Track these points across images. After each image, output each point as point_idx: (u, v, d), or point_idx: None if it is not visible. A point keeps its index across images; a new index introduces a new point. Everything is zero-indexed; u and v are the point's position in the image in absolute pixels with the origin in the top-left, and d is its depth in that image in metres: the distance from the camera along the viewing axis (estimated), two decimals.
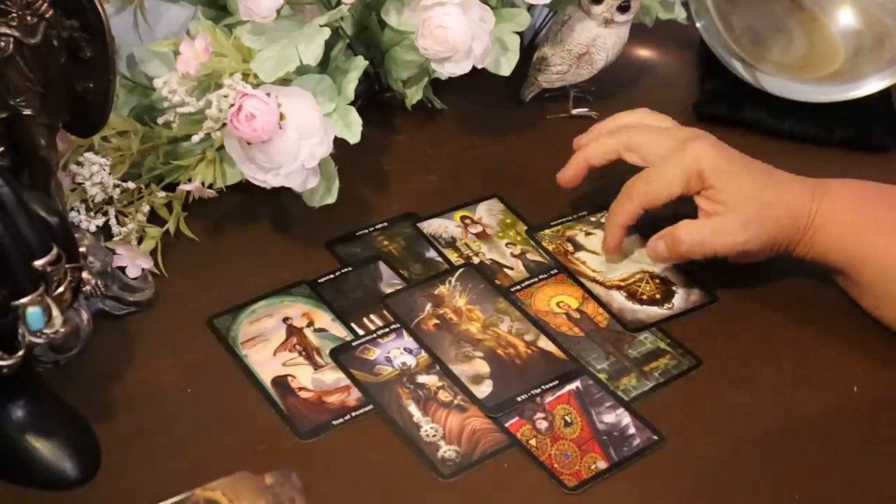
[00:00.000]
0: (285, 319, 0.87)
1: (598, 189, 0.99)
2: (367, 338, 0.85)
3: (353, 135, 0.90)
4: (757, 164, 0.89)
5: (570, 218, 0.98)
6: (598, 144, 0.94)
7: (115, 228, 0.89)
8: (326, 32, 0.89)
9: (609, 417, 0.81)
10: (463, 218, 0.98)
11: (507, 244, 0.95)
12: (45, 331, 0.67)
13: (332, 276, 0.91)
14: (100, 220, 0.89)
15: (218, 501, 0.63)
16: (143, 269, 0.88)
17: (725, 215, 0.86)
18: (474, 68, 0.96)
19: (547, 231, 0.97)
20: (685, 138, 0.90)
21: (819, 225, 0.86)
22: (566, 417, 0.81)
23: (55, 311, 0.68)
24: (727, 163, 0.87)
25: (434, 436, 0.79)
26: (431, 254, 0.94)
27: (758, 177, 0.87)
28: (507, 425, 0.80)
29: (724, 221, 0.86)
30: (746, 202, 0.86)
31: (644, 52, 1.21)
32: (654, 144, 0.91)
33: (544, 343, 0.86)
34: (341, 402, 0.81)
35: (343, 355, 0.84)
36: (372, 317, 0.87)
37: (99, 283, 0.81)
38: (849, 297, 0.89)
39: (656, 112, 0.96)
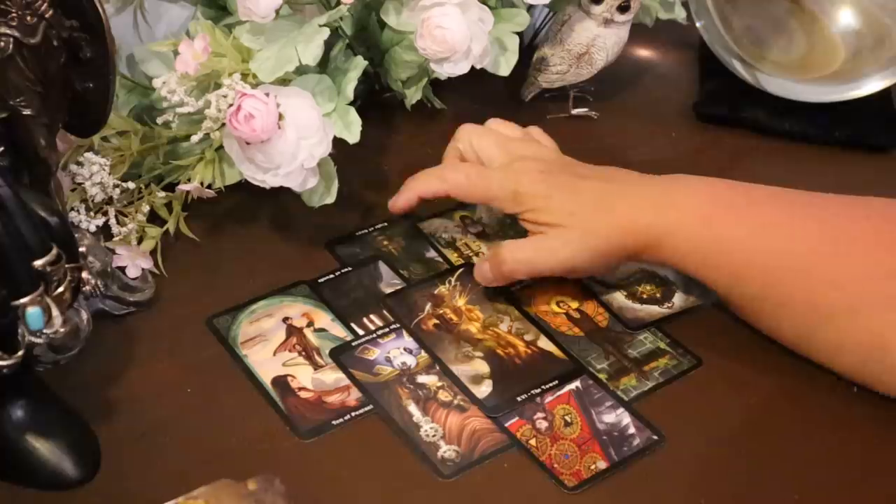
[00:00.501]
0: (285, 319, 0.87)
1: None
2: (367, 338, 0.85)
3: (353, 135, 0.90)
4: (593, 182, 0.86)
5: None
6: (445, 154, 0.92)
7: (115, 228, 0.89)
8: (326, 32, 0.88)
9: (609, 417, 0.81)
10: (462, 218, 0.98)
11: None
12: (45, 331, 0.67)
13: (332, 276, 0.91)
14: (100, 220, 0.89)
15: None
16: (143, 269, 0.88)
17: (548, 233, 0.84)
18: (474, 68, 0.97)
19: None
20: (519, 155, 0.88)
21: (664, 237, 0.83)
22: (566, 417, 0.81)
23: (55, 311, 0.68)
24: (546, 186, 0.85)
25: (434, 436, 0.79)
26: (431, 254, 0.94)
27: (584, 196, 0.85)
28: (506, 425, 0.80)
29: (546, 240, 0.85)
30: (569, 221, 0.84)
31: (644, 52, 1.21)
32: (491, 149, 0.89)
33: (544, 343, 0.86)
34: (341, 402, 0.81)
35: (343, 355, 0.84)
36: (372, 317, 0.87)
37: (99, 283, 0.81)
38: None
39: (507, 122, 0.94)
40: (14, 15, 0.71)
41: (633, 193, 0.85)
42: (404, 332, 0.86)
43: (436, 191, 0.89)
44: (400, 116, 1.08)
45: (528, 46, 1.13)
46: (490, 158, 0.89)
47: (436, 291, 0.90)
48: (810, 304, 0.81)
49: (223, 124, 0.86)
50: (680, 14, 1.12)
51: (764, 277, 0.82)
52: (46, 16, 0.72)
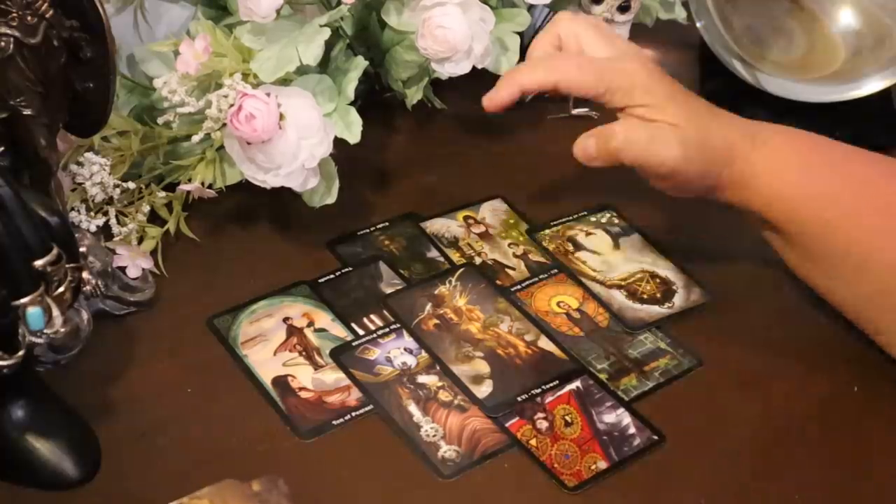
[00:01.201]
0: (285, 319, 0.87)
1: (598, 189, 0.99)
2: (368, 338, 0.85)
3: (353, 135, 0.90)
4: (697, 100, 0.85)
5: (571, 218, 0.98)
6: (537, 41, 0.88)
7: (116, 228, 0.89)
8: (326, 32, 0.88)
9: (609, 417, 0.81)
10: (466, 218, 0.98)
11: (509, 244, 0.95)
12: (45, 331, 0.67)
13: (332, 276, 0.91)
14: (100, 220, 0.89)
15: None
16: (143, 269, 0.88)
17: (664, 127, 0.81)
18: (474, 68, 0.97)
19: (547, 231, 0.97)
20: (626, 49, 0.86)
21: (756, 173, 0.82)
22: (566, 417, 0.81)
23: (55, 311, 0.68)
24: (664, 87, 0.83)
25: (434, 436, 0.79)
26: (433, 253, 0.94)
27: (697, 108, 0.83)
28: (507, 425, 0.80)
29: (665, 132, 0.81)
30: (686, 121, 0.82)
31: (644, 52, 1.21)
32: (598, 40, 0.86)
33: (544, 343, 0.86)
34: (341, 402, 0.81)
35: (343, 355, 0.84)
36: (372, 317, 0.87)
37: (99, 283, 0.81)
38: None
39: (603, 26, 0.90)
40: (14, 15, 0.71)
41: (736, 121, 0.84)
42: (404, 332, 0.86)
43: (542, 82, 0.84)
44: (400, 116, 1.08)
45: (529, 46, 1.13)
46: (596, 48, 0.85)
47: (436, 291, 0.90)
48: (893, 266, 0.80)
49: (224, 124, 0.86)
50: (680, 14, 1.12)
51: (852, 235, 0.81)
52: (47, 16, 0.72)
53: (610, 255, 0.95)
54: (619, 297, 0.90)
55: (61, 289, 0.68)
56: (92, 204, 0.89)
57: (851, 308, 0.84)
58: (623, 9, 1.04)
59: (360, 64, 0.92)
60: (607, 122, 1.11)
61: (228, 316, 0.87)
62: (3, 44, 0.70)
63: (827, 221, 0.81)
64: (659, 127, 0.82)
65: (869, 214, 0.81)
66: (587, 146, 0.84)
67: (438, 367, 0.83)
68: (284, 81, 0.89)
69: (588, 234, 0.97)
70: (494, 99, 0.86)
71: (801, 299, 0.91)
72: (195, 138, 0.89)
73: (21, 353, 0.68)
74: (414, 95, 1.04)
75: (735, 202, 0.84)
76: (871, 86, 1.09)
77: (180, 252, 0.92)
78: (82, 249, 0.72)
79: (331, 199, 0.91)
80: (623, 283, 0.92)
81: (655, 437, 0.80)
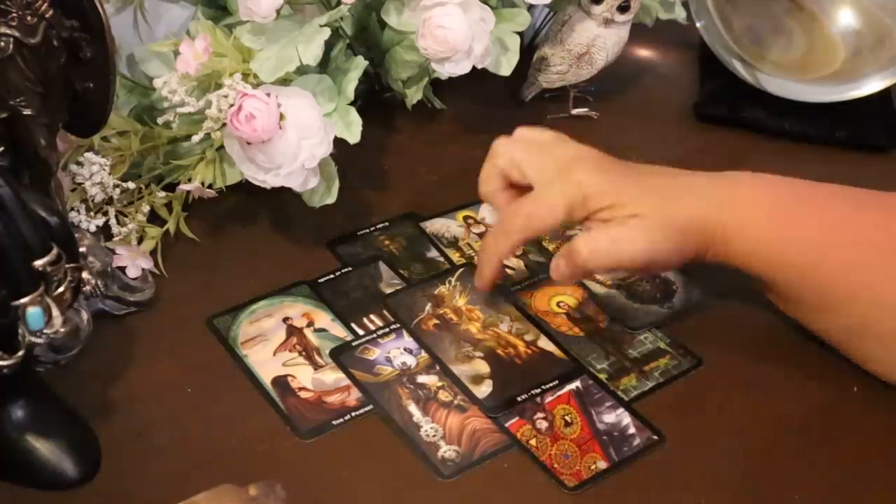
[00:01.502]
0: (285, 319, 0.87)
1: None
2: (367, 338, 0.85)
3: (353, 135, 0.90)
4: (652, 177, 0.84)
5: None
6: (483, 175, 0.87)
7: (115, 228, 0.89)
8: (326, 32, 0.89)
9: (609, 417, 0.81)
10: (466, 218, 0.98)
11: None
12: (45, 331, 0.67)
13: (332, 276, 0.91)
14: (100, 220, 0.89)
15: None
16: (143, 269, 0.88)
17: (625, 223, 0.80)
18: (474, 68, 0.97)
19: None
20: (568, 159, 0.83)
21: (731, 235, 0.82)
22: (566, 417, 0.81)
23: (55, 311, 0.68)
24: (612, 182, 0.82)
25: (434, 436, 0.79)
26: (433, 253, 0.94)
27: (654, 190, 0.82)
28: (507, 425, 0.80)
29: (626, 228, 0.80)
30: (645, 210, 0.80)
31: (644, 52, 1.21)
32: (534, 160, 0.84)
33: (544, 343, 0.86)
34: (341, 403, 0.81)
35: (343, 355, 0.84)
36: (372, 317, 0.87)
37: (99, 283, 0.81)
38: None
39: (534, 127, 0.88)
40: (14, 15, 0.71)
41: (696, 186, 0.83)
42: (404, 332, 0.86)
43: (513, 247, 0.85)
44: (400, 116, 1.08)
45: (529, 46, 1.13)
46: (538, 169, 0.83)
47: (436, 291, 0.90)
48: (874, 298, 0.80)
49: (224, 124, 0.86)
50: (680, 14, 1.12)
51: (832, 274, 0.81)
52: (46, 16, 0.72)
53: None
54: (618, 297, 0.90)
55: (61, 289, 0.68)
56: (92, 204, 0.89)
57: (841, 341, 0.84)
58: (623, 9, 1.04)
59: (360, 64, 0.92)
60: (607, 121, 1.11)
61: (228, 316, 0.87)
62: (3, 44, 0.70)
63: (807, 264, 0.82)
64: (619, 224, 0.80)
65: (847, 249, 0.81)
66: (558, 267, 0.83)
67: (438, 367, 0.83)
68: (284, 81, 0.89)
69: None
70: (483, 280, 0.87)
71: None
72: (195, 138, 0.89)
73: (21, 353, 0.68)
74: (414, 95, 1.04)
75: (720, 262, 0.84)
76: (871, 86, 1.09)
77: (180, 252, 0.92)
78: (82, 249, 0.72)
79: (331, 199, 0.91)
80: (623, 282, 0.92)
81: (655, 437, 0.80)
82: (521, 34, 1.00)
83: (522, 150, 0.85)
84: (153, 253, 0.90)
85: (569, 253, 0.82)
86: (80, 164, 0.88)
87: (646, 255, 0.81)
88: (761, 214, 0.82)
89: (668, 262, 0.84)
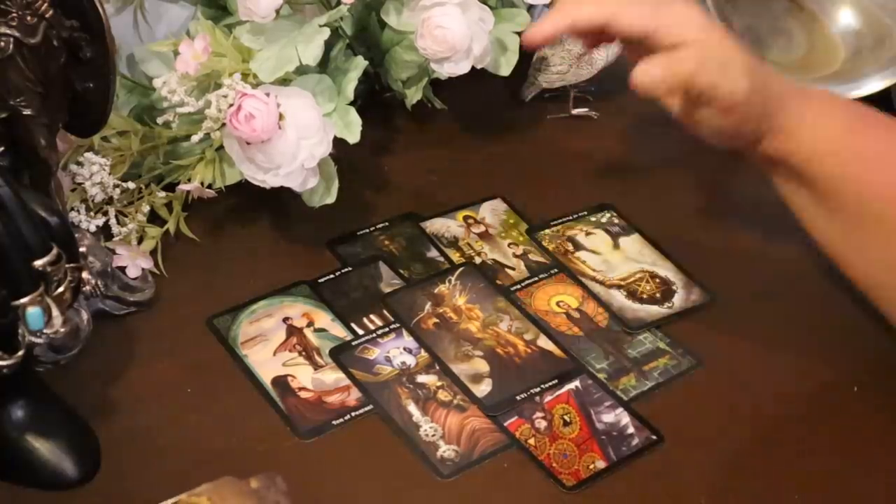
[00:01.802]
0: (285, 319, 0.87)
1: (598, 189, 0.99)
2: (367, 337, 0.85)
3: (353, 135, 0.90)
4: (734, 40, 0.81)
5: (571, 218, 0.98)
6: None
7: (115, 228, 0.90)
8: (326, 32, 0.89)
9: (608, 417, 0.81)
10: (466, 218, 0.98)
11: (509, 244, 0.95)
12: (45, 331, 0.68)
13: (331, 276, 0.91)
14: (100, 220, 0.89)
15: None
16: (143, 269, 0.88)
17: (733, 55, 0.78)
18: (474, 68, 0.97)
19: (547, 231, 0.97)
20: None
21: (804, 125, 0.80)
22: (565, 417, 0.81)
23: (55, 311, 0.68)
24: (715, 25, 0.80)
25: (433, 435, 0.79)
26: (433, 253, 0.94)
27: (746, 49, 0.80)
28: (506, 424, 0.80)
29: (735, 60, 0.78)
30: (749, 56, 0.79)
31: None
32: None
33: (544, 342, 0.86)
34: (341, 402, 0.81)
35: (343, 355, 0.84)
36: (372, 317, 0.88)
37: (99, 283, 0.81)
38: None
39: None
40: (14, 15, 0.71)
41: (781, 76, 0.82)
42: (404, 332, 0.86)
43: (593, 18, 0.79)
44: (400, 116, 1.08)
45: None
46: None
47: (436, 291, 0.90)
48: None
49: (223, 124, 0.86)
50: None
51: (890, 198, 0.80)
52: (46, 16, 0.72)
53: (610, 255, 0.95)
54: (618, 297, 0.91)
55: (61, 289, 0.68)
56: (92, 204, 0.89)
57: (867, 274, 0.83)
58: None
59: (360, 64, 0.92)
60: (607, 121, 1.11)
61: (228, 316, 0.87)
62: (3, 44, 0.70)
63: (868, 183, 0.80)
64: (728, 52, 0.78)
65: None
66: (650, 73, 0.77)
67: (438, 367, 0.83)
68: (284, 81, 0.89)
69: (588, 233, 0.97)
70: (539, 31, 0.80)
71: (800, 299, 0.91)
72: (195, 138, 0.89)
73: (21, 353, 0.69)
74: (414, 95, 1.04)
75: (774, 153, 0.81)
76: (871, 86, 1.09)
77: (180, 252, 0.92)
78: (82, 249, 0.72)
79: (330, 198, 0.91)
80: (623, 282, 0.92)
81: (654, 437, 0.80)
82: (520, 34, 1.00)
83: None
84: (153, 253, 0.90)
85: (672, 59, 0.77)
86: (80, 164, 0.88)
87: (745, 94, 0.78)
88: (838, 119, 0.81)
89: (749, 119, 0.80)
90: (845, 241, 0.83)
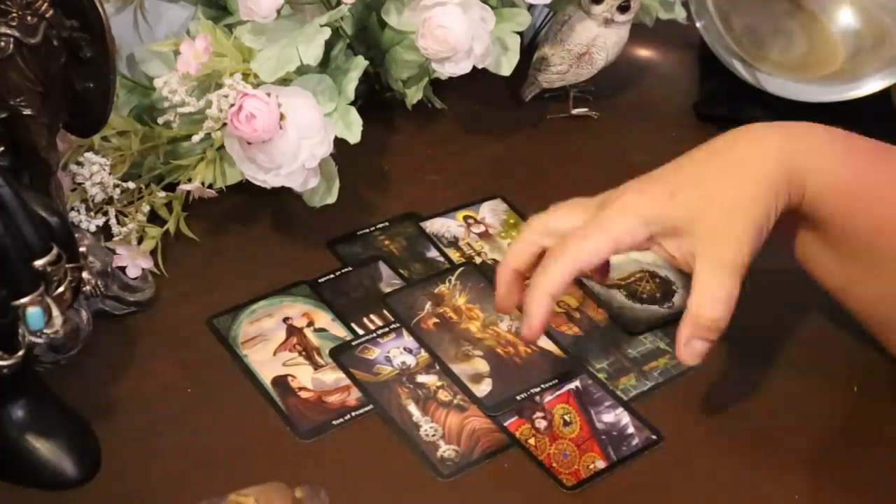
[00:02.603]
0: (285, 319, 0.87)
1: (598, 189, 0.99)
2: (367, 337, 0.85)
3: (354, 135, 0.90)
4: (687, 168, 0.78)
5: None
6: (513, 249, 0.81)
7: (115, 228, 0.89)
8: (327, 32, 0.89)
9: (608, 417, 0.81)
10: (466, 217, 0.98)
11: (509, 244, 0.95)
12: (45, 331, 0.68)
13: (332, 276, 0.91)
14: (100, 220, 0.89)
15: None
16: (143, 269, 0.88)
17: (716, 256, 0.75)
18: (474, 68, 0.97)
19: None
20: (601, 201, 0.79)
21: (807, 171, 0.75)
22: (565, 417, 0.81)
23: (55, 311, 0.68)
24: (662, 185, 0.77)
25: (433, 435, 0.79)
26: (433, 253, 0.94)
27: (698, 177, 0.77)
28: (506, 424, 0.80)
29: (718, 249, 0.75)
30: (709, 211, 0.75)
31: (644, 52, 1.21)
32: (572, 215, 0.79)
33: (544, 342, 0.86)
34: (341, 402, 0.81)
35: (343, 355, 0.84)
36: (372, 317, 0.88)
37: (99, 283, 0.81)
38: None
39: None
40: (14, 15, 0.71)
41: (748, 143, 0.77)
42: (404, 332, 0.86)
43: (564, 279, 0.76)
44: (401, 116, 1.08)
45: (529, 46, 1.13)
46: (576, 216, 0.79)
47: (436, 290, 0.90)
48: None
49: (224, 124, 0.86)
50: (680, 14, 1.12)
51: (892, 230, 0.76)
52: (47, 16, 0.72)
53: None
54: (618, 297, 0.91)
55: (61, 289, 0.68)
56: (92, 204, 0.89)
57: (878, 312, 0.80)
58: (623, 9, 1.04)
59: (361, 64, 0.92)
60: (607, 121, 1.11)
61: (228, 316, 0.87)
62: (3, 44, 0.71)
63: (876, 217, 0.77)
64: (712, 249, 0.75)
65: None
66: (696, 350, 0.75)
67: (438, 367, 0.83)
68: (285, 81, 0.89)
69: None
70: (532, 324, 0.77)
71: (801, 299, 0.91)
72: (195, 138, 0.89)
73: (21, 353, 0.69)
74: (414, 95, 1.04)
75: (794, 203, 0.77)
76: (871, 86, 1.09)
77: (180, 252, 0.92)
78: (82, 249, 0.72)
79: (331, 198, 0.91)
80: (623, 282, 0.92)
81: (654, 437, 0.80)
82: (521, 34, 1.00)
83: (556, 213, 0.80)
84: (153, 253, 0.90)
85: (695, 328, 0.75)
86: (80, 164, 0.88)
87: (754, 248, 0.75)
88: (831, 152, 0.77)
89: (769, 231, 0.76)
90: (855, 281, 0.80)
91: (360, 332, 0.86)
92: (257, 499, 0.64)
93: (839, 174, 0.77)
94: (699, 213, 0.75)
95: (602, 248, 0.76)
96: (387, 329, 0.86)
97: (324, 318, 0.87)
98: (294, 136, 0.85)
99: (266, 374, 0.82)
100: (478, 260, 0.93)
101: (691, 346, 0.75)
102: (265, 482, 0.66)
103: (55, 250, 0.67)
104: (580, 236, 0.77)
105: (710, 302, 0.75)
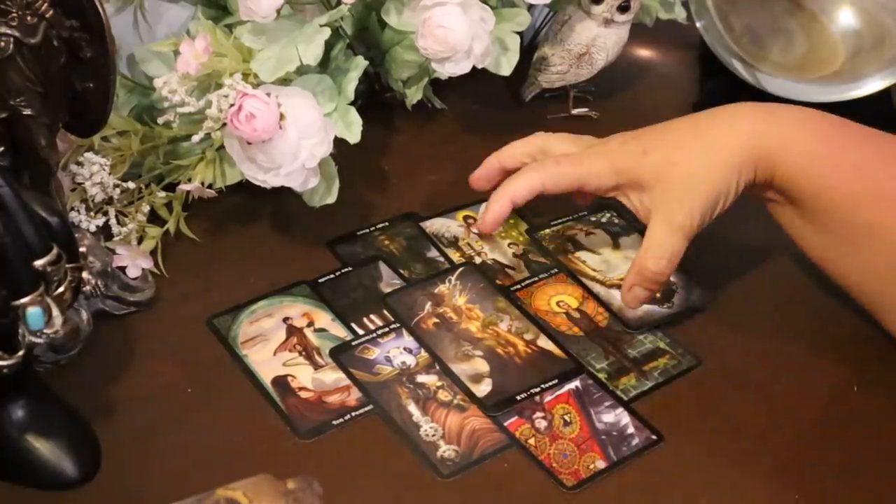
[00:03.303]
0: (285, 319, 0.87)
1: None
2: (367, 337, 0.85)
3: (353, 135, 0.90)
4: (671, 128, 0.86)
5: (571, 218, 0.98)
6: (511, 147, 0.92)
7: (115, 228, 0.89)
8: (326, 32, 0.89)
9: (608, 417, 0.81)
10: (466, 217, 0.98)
11: (509, 244, 0.95)
12: (45, 331, 0.67)
13: (332, 276, 0.91)
14: (100, 220, 0.89)
15: (238, 501, 0.63)
16: (143, 269, 0.88)
17: (665, 202, 0.83)
18: (474, 68, 0.97)
19: (547, 231, 0.97)
20: (589, 142, 0.89)
21: (778, 150, 0.81)
22: (565, 417, 0.81)
23: (55, 311, 0.68)
24: (637, 143, 0.85)
25: (433, 435, 0.79)
26: (433, 253, 0.94)
27: (676, 138, 0.85)
28: (506, 424, 0.80)
29: (671, 212, 0.83)
30: (674, 169, 0.83)
31: (644, 52, 1.21)
32: (564, 144, 0.90)
33: (544, 342, 0.86)
34: (341, 402, 0.81)
35: (343, 355, 0.84)
36: (372, 316, 0.87)
37: (99, 283, 0.81)
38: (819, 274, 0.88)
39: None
40: (14, 15, 0.71)
41: (726, 118, 0.85)
42: (404, 332, 0.86)
43: (530, 189, 0.86)
44: (401, 116, 1.08)
45: (529, 46, 1.13)
46: (570, 147, 0.89)
47: (436, 290, 0.90)
48: None
49: (224, 124, 0.86)
50: (680, 14, 1.12)
51: (870, 205, 0.80)
52: (47, 16, 0.72)
53: (610, 255, 0.95)
54: (618, 297, 0.90)
55: (61, 289, 0.68)
56: (92, 204, 0.89)
57: (860, 283, 0.83)
58: (623, 9, 1.04)
59: (361, 64, 0.92)
60: (607, 121, 1.11)
61: (228, 316, 0.87)
62: (3, 44, 0.71)
63: (851, 193, 0.80)
64: (665, 211, 0.83)
65: (886, 182, 0.80)
66: (637, 294, 0.86)
67: (438, 367, 0.83)
68: (284, 81, 0.89)
69: (588, 233, 0.97)
70: (487, 218, 0.89)
71: (801, 299, 0.91)
72: (195, 138, 0.89)
73: (21, 353, 0.69)
74: (414, 95, 1.04)
75: (766, 190, 0.84)
76: (871, 86, 1.09)
77: (180, 252, 0.92)
78: (82, 249, 0.72)
79: (331, 198, 0.91)
80: (623, 282, 0.92)
81: (654, 437, 0.80)
82: (521, 34, 1.00)
83: (554, 138, 0.90)
84: (153, 253, 0.90)
85: (638, 276, 0.85)
86: (80, 164, 0.88)
87: (706, 213, 0.82)
88: (805, 131, 0.82)
89: (727, 203, 0.83)
90: (836, 253, 0.83)
91: (360, 332, 0.86)
92: (245, 492, 0.64)
93: (815, 155, 0.81)
94: (663, 175, 0.83)
95: (570, 178, 0.86)
96: (387, 329, 0.86)
97: (324, 318, 0.87)
98: (294, 136, 0.85)
99: (266, 374, 0.82)
100: (478, 260, 0.93)
101: (633, 292, 0.85)
102: (301, 475, 0.66)
103: (55, 250, 0.67)
104: (557, 161, 0.87)
105: (655, 256, 0.83)
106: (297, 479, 0.66)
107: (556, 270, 0.93)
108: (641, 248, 0.84)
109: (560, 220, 0.98)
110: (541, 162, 0.88)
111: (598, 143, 0.88)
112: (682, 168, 0.83)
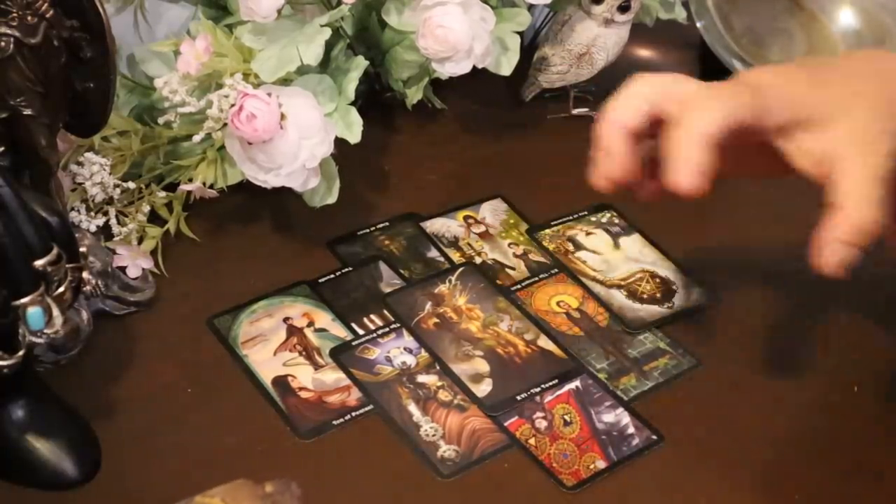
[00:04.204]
0: (285, 319, 0.87)
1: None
2: (367, 337, 0.85)
3: (354, 135, 0.90)
4: (830, 63, 0.74)
5: (571, 218, 0.98)
6: (626, 98, 0.71)
7: (116, 228, 0.89)
8: (327, 32, 0.89)
9: (608, 417, 0.81)
10: (466, 217, 0.98)
11: (509, 244, 0.95)
12: (45, 331, 0.68)
13: (332, 276, 0.91)
14: (100, 220, 0.89)
15: None
16: (143, 269, 0.88)
17: (866, 163, 0.66)
18: (474, 68, 0.97)
19: (547, 231, 0.97)
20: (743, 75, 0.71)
21: None
22: (565, 417, 0.81)
23: (55, 311, 0.68)
24: (797, 69, 0.70)
25: (434, 435, 0.79)
26: (433, 253, 0.94)
27: (837, 69, 0.71)
28: (506, 424, 0.80)
29: (869, 171, 0.66)
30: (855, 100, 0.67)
31: (644, 52, 1.21)
32: (689, 85, 0.70)
33: (544, 342, 0.86)
34: (341, 402, 0.81)
35: (343, 355, 0.84)
36: (372, 317, 0.88)
37: (99, 283, 0.81)
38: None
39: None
40: (14, 15, 0.71)
41: (888, 57, 0.72)
42: (404, 332, 0.86)
43: (727, 124, 0.66)
44: (401, 116, 1.08)
45: (529, 46, 1.13)
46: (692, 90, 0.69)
47: (436, 290, 0.90)
48: None
49: (225, 124, 0.86)
50: (680, 14, 1.12)
51: None
52: (47, 16, 0.72)
53: (610, 255, 0.95)
54: (618, 297, 0.91)
55: (61, 289, 0.68)
56: (92, 204, 0.89)
57: None
58: (623, 9, 1.04)
59: (361, 64, 0.92)
60: None
61: (228, 316, 0.87)
62: (3, 44, 0.71)
63: None
64: (856, 154, 0.67)
65: None
66: (841, 256, 0.67)
67: (438, 367, 0.83)
68: (285, 81, 0.89)
69: (588, 233, 0.97)
70: (694, 172, 0.66)
71: (801, 300, 0.91)
72: (196, 138, 0.89)
73: (21, 353, 0.69)
74: (414, 95, 1.04)
75: None
76: None
77: (180, 252, 0.92)
78: (82, 249, 0.72)
79: (331, 199, 0.91)
80: (623, 282, 0.92)
81: (654, 437, 0.80)
82: (521, 34, 1.00)
83: (658, 76, 0.71)
84: (153, 253, 0.90)
85: (843, 225, 0.67)
86: (80, 164, 0.88)
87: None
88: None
89: None
90: None
91: (361, 332, 0.86)
92: (223, 498, 0.64)
93: None
94: (845, 109, 0.68)
95: (748, 108, 0.66)
96: (387, 329, 0.86)
97: (324, 318, 0.87)
98: (294, 136, 0.85)
99: (266, 374, 0.82)
100: (478, 260, 0.93)
101: (833, 250, 0.67)
102: (279, 478, 0.66)
103: (55, 250, 0.67)
104: (721, 91, 0.67)
105: (864, 201, 0.66)
106: (276, 481, 0.65)
107: (556, 270, 0.93)
108: (840, 197, 0.66)
109: (560, 220, 0.98)
110: (706, 95, 0.68)
111: (737, 77, 0.71)
112: (870, 101, 0.68)
